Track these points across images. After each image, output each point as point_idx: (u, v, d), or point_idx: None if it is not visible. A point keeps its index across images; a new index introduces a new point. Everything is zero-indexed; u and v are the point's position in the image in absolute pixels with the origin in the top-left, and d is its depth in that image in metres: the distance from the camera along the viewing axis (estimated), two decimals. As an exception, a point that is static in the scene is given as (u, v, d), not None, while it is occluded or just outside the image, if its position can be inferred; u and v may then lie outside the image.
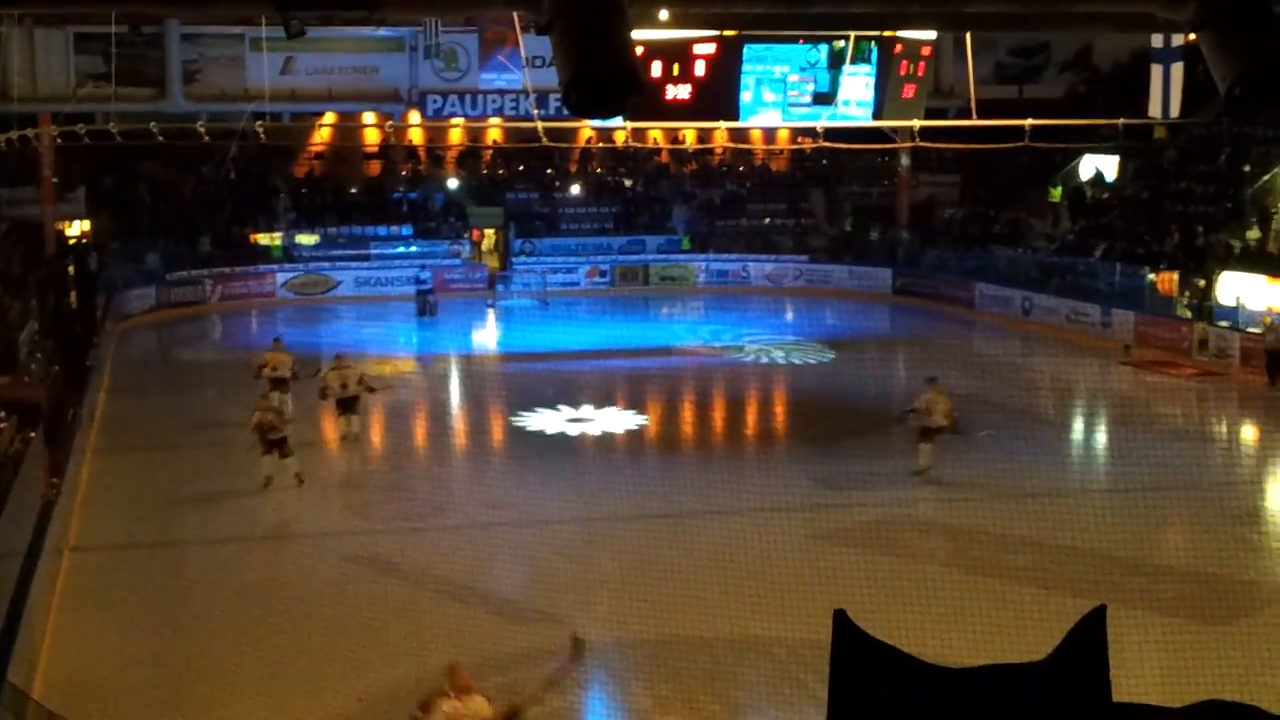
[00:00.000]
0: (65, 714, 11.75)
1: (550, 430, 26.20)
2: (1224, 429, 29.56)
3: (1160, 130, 38.72)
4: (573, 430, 26.28)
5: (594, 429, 26.52)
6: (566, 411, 27.44)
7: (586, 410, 27.70)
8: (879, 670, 6.15)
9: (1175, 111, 24.52)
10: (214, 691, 14.08)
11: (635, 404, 28.72)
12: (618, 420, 27.29)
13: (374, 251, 46.31)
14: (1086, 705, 6.12)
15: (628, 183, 50.64)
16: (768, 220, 50.30)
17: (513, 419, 27.14)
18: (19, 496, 16.64)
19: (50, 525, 17.38)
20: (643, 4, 10.64)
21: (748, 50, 15.06)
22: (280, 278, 44.88)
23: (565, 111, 8.16)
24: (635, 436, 26.23)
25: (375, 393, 25.28)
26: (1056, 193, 45.76)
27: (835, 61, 15.60)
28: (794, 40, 15.27)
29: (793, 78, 15.51)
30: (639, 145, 47.21)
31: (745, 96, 15.27)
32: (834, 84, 15.70)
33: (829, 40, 15.40)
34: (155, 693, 14.22)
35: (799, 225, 49.97)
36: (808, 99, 15.67)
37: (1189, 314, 34.57)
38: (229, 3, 20.17)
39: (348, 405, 24.80)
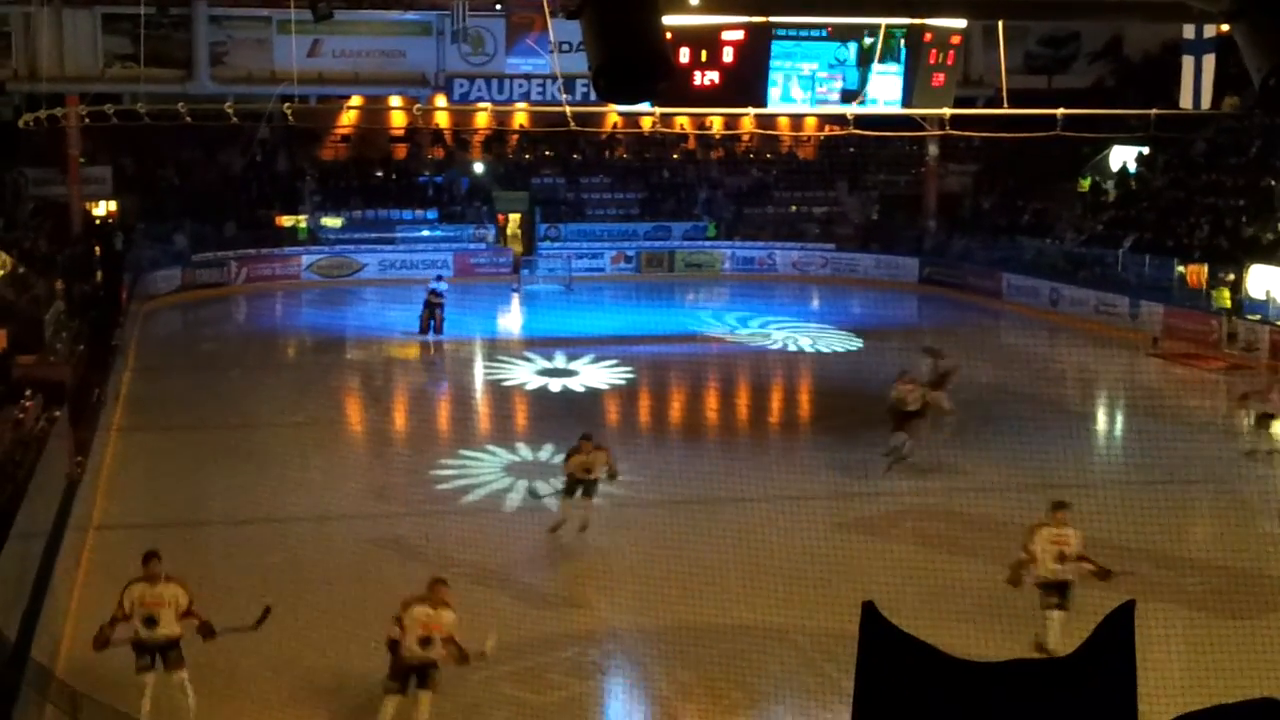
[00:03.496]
0: (88, 692, 11.79)
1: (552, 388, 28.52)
2: (1252, 422, 29.34)
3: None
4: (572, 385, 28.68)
5: (579, 383, 28.97)
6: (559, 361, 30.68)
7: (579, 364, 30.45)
8: (906, 663, 6.12)
9: (1207, 103, 24.40)
10: (235, 671, 14.11)
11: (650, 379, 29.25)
12: (603, 375, 29.62)
13: (399, 235, 46.35)
14: (1113, 702, 6.07)
15: (666, 173, 50.53)
16: (794, 208, 50.17)
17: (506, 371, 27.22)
18: (44, 475, 16.69)
19: (75, 504, 17.45)
20: (673, -12, 10.60)
21: (776, 47, 14.99)
22: (305, 260, 44.93)
23: (592, 96, 8.13)
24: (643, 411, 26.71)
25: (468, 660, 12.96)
26: (1085, 183, 45.54)
27: (864, 59, 15.51)
28: (823, 30, 15.18)
29: (821, 74, 15.43)
30: (666, 131, 47.11)
31: (774, 93, 15.21)
32: (862, 81, 15.62)
33: (858, 38, 15.32)
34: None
35: (826, 214, 49.85)
36: (836, 96, 15.60)
37: (1227, 304, 34.21)
38: (257, -16, 20.26)
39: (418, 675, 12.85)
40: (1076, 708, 6.09)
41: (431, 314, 34.33)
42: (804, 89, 15.35)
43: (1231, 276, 34.74)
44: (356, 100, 46.65)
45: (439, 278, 35.70)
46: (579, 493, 18.29)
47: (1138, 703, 6.22)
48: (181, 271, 42.21)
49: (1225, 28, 12.45)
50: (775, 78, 15.09)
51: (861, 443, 23.38)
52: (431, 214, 47.28)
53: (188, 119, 20.67)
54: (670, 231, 48.37)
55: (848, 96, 15.64)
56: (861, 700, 6.24)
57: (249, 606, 15.89)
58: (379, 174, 49.02)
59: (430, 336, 34.37)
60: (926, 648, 6.14)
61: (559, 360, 31.17)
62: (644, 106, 16.89)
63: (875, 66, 15.52)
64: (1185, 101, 24.30)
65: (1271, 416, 23.09)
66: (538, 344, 34.26)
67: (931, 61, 15.72)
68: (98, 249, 40.79)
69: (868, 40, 15.33)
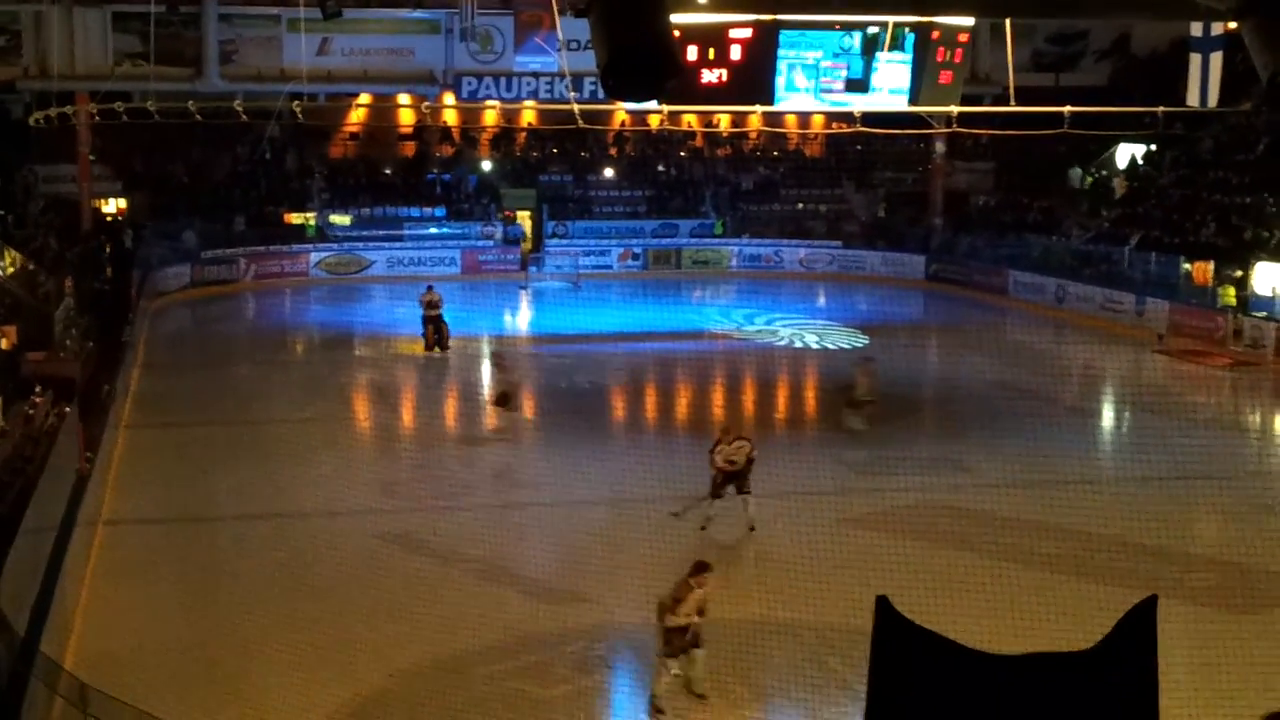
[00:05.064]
0: (96, 685, 11.84)
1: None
2: (1258, 418, 29.36)
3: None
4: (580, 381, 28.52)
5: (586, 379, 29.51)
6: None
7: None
8: (921, 656, 6.14)
9: (1214, 100, 24.35)
10: (244, 666, 14.18)
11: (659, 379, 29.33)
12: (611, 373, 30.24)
13: (407, 232, 46.44)
14: (1134, 694, 6.10)
15: (661, 167, 50.57)
16: (801, 205, 50.19)
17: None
18: (54, 470, 16.77)
19: (84, 499, 17.52)
20: (680, -14, 10.66)
21: (781, 36, 15.01)
22: (314, 257, 45.01)
23: (599, 94, 8.19)
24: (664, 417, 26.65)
25: None
26: (1088, 180, 45.57)
27: (869, 48, 15.53)
28: (830, 27, 15.22)
29: (826, 64, 15.45)
30: (673, 129, 47.13)
31: (779, 82, 15.23)
32: (867, 70, 15.63)
33: (863, 26, 15.35)
34: (186, 666, 14.32)
35: (833, 211, 49.86)
36: (840, 85, 15.61)
37: (1232, 301, 34.14)
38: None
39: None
40: (1098, 700, 6.11)
41: (437, 329, 32.28)
42: (809, 77, 15.36)
43: (1238, 273, 34.72)
44: (365, 98, 46.78)
45: (429, 288, 32.88)
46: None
47: (1158, 697, 6.25)
48: (190, 268, 42.35)
49: (1233, 25, 12.49)
50: (780, 66, 15.11)
51: (868, 439, 23.44)
52: (440, 211, 47.35)
53: (197, 117, 20.68)
54: (677, 229, 48.42)
55: (853, 86, 15.66)
56: (876, 693, 6.26)
57: (257, 600, 16.00)
58: (387, 171, 49.12)
59: (437, 352, 32.13)
60: (943, 640, 6.16)
61: (568, 357, 31.22)
62: (651, 104, 16.88)
63: (882, 56, 15.54)
64: (1192, 99, 24.26)
65: (866, 402, 24.53)
66: (545, 341, 34.29)
67: (939, 59, 15.76)
68: (107, 246, 40.89)
69: (871, 30, 15.36)
